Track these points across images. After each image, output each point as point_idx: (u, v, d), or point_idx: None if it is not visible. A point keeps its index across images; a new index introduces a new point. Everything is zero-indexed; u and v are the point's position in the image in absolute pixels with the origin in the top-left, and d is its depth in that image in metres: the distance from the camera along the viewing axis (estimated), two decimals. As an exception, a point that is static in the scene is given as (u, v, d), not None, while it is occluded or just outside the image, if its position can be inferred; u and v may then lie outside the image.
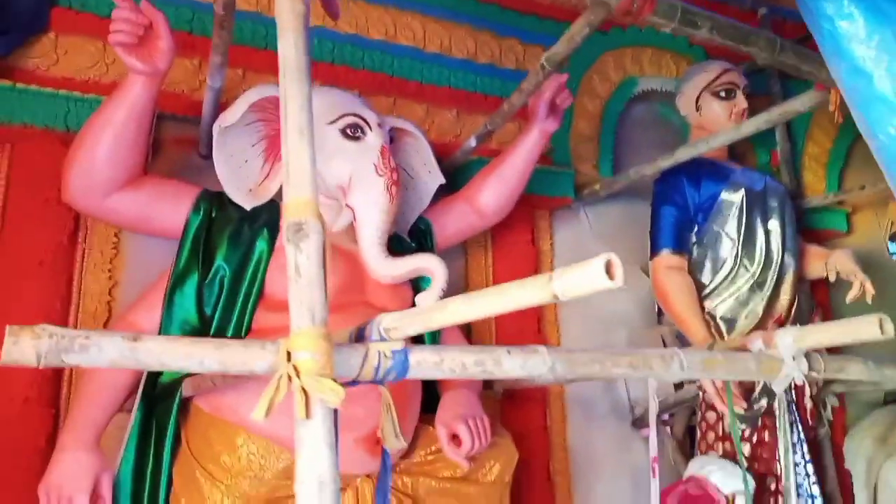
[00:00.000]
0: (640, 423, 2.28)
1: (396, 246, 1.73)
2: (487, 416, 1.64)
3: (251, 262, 1.59)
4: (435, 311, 0.78)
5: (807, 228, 2.61)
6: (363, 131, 1.66)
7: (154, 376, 1.51)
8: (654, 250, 2.19)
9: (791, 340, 1.10)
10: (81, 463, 1.38)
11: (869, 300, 2.09)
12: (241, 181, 1.66)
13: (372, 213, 1.62)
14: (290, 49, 0.86)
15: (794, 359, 1.09)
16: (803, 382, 1.10)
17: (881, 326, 1.00)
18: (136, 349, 0.75)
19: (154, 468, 1.45)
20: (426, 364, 0.87)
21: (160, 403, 1.49)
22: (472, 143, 1.96)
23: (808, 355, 1.13)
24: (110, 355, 0.73)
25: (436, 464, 1.60)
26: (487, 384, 1.95)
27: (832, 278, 2.23)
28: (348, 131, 1.64)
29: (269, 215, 1.65)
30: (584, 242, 2.44)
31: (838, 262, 2.20)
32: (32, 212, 1.66)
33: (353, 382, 0.86)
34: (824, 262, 2.26)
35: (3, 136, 1.69)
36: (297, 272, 0.81)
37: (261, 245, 1.60)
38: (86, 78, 1.77)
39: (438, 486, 1.59)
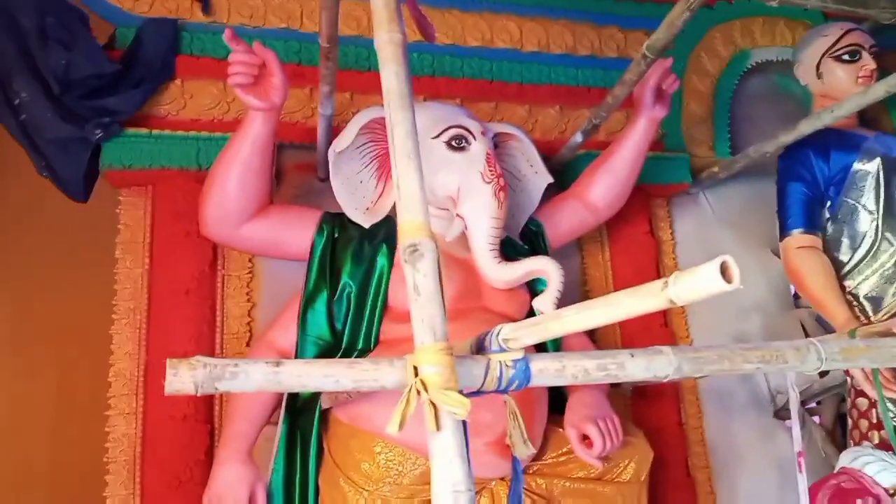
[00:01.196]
0: (783, 413, 2.16)
1: (509, 250, 1.74)
2: (617, 414, 1.62)
3: (374, 277, 1.66)
4: (550, 320, 0.79)
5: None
6: (467, 141, 1.69)
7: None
8: (784, 231, 2.07)
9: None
10: (238, 474, 1.51)
11: None
12: (358, 201, 1.74)
13: (482, 221, 1.64)
14: (391, 79, 0.90)
15: (950, 342, 1.00)
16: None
17: None
18: (278, 373, 0.81)
19: (302, 477, 1.56)
20: (548, 372, 0.88)
21: (302, 416, 1.59)
22: (579, 138, 1.94)
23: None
24: (257, 381, 0.80)
25: (568, 464, 1.60)
26: (615, 383, 1.92)
27: None
28: (453, 143, 1.68)
29: (386, 231, 1.72)
30: (707, 229, 2.35)
31: None
32: (176, 246, 1.83)
33: (478, 392, 0.89)
34: None
35: (145, 179, 1.86)
36: (417, 291, 0.85)
37: (381, 261, 1.67)
38: (211, 118, 1.92)
39: (573, 487, 1.58)
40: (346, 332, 1.64)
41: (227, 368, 0.79)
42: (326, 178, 1.78)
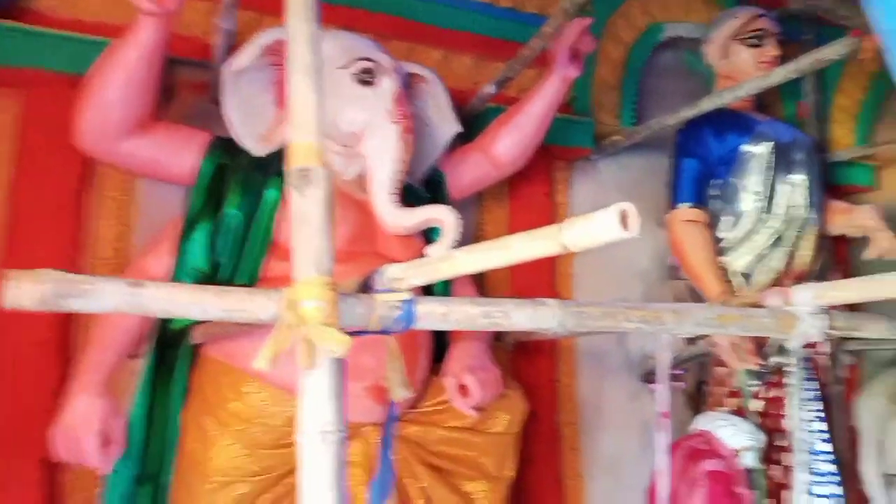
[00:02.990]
0: (650, 377, 2.27)
1: (409, 196, 1.70)
2: (497, 367, 1.64)
3: (262, 210, 1.57)
4: (441, 261, 0.77)
5: (831, 183, 2.53)
6: (377, 76, 1.61)
7: (165, 323, 1.52)
8: (673, 203, 2.15)
9: (810, 297, 1.07)
10: (92, 406, 1.41)
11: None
12: (252, 127, 1.64)
13: (385, 162, 1.59)
14: (295, -14, 0.83)
15: (811, 315, 1.06)
16: (822, 340, 1.07)
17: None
18: (138, 295, 0.74)
19: (163, 413, 1.48)
20: (433, 315, 0.86)
21: (171, 349, 1.50)
22: (491, 89, 1.90)
23: (826, 312, 1.10)
24: (112, 301, 0.73)
25: (444, 414, 1.61)
26: (498, 336, 1.95)
27: (856, 234, 2.17)
28: (362, 76, 1.60)
29: (281, 163, 1.62)
30: (603, 196, 2.40)
31: (862, 217, 2.14)
32: (46, 157, 1.66)
33: (359, 332, 0.85)
34: (848, 219, 2.20)
35: (14, 80, 1.67)
36: (302, 220, 0.79)
37: (271, 193, 1.59)
38: (97, 20, 1.73)
39: (447, 436, 1.60)
40: (226, 265, 1.55)
41: (77, 285, 0.71)
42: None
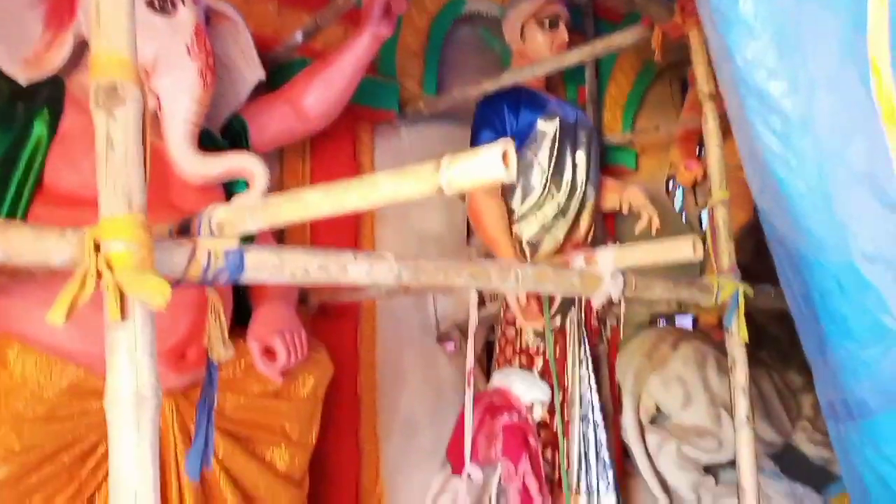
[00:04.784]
0: (444, 338, 2.35)
1: (207, 142, 1.54)
2: (304, 330, 1.57)
3: (26, 147, 1.32)
4: (285, 202, 0.69)
5: (604, 164, 2.81)
6: (174, 5, 1.43)
7: None
8: (472, 173, 2.22)
9: (612, 258, 1.16)
10: None
11: (653, 232, 2.31)
12: (13, 46, 1.36)
13: (182, 102, 1.42)
14: None
15: (612, 276, 1.16)
16: (619, 299, 1.17)
17: (694, 247, 1.08)
18: None
19: None
20: (265, 266, 0.77)
21: None
22: (299, 38, 1.79)
23: (623, 273, 1.20)
24: None
25: (247, 379, 1.51)
26: (301, 299, 1.87)
27: (625, 211, 2.43)
28: (156, 2, 1.41)
29: (51, 93, 1.38)
30: (403, 162, 2.39)
31: (632, 196, 2.40)
32: None
33: (176, 283, 0.74)
34: (619, 196, 2.45)
35: None
36: (110, 145, 0.66)
37: (39, 128, 1.34)
38: None
39: (247, 403, 1.50)
40: (-22, 209, 1.28)
41: None
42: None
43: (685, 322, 3.17)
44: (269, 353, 1.47)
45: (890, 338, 0.93)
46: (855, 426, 1.04)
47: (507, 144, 0.51)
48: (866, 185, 0.85)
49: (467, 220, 2.39)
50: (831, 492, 2.47)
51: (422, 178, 0.57)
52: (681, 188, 3.09)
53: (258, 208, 0.71)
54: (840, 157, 0.87)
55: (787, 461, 2.47)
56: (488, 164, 0.51)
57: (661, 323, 2.88)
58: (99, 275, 0.65)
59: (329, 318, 2.04)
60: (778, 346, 2.53)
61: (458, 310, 2.36)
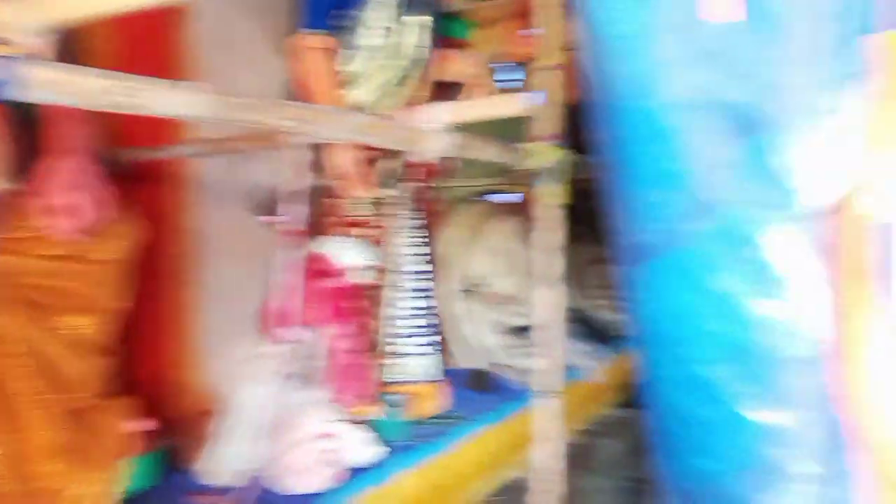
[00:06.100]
0: (262, 208, 2.26)
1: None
2: (105, 188, 1.42)
3: None
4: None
5: (441, 32, 2.74)
6: None
7: None
8: (300, 28, 2.07)
9: (441, 114, 1.16)
10: None
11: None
12: None
13: None
14: None
15: (440, 132, 1.15)
16: (447, 156, 1.18)
17: (522, 102, 1.10)
18: None
19: None
20: (47, 84, 0.66)
21: None
22: None
23: (451, 131, 1.20)
24: None
25: (39, 241, 1.35)
26: (109, 157, 1.68)
27: (458, 80, 2.42)
28: None
29: None
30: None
31: (466, 65, 2.39)
32: None
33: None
34: (453, 65, 2.42)
35: None
36: None
37: None
38: None
39: (43, 266, 1.35)
40: None
41: None
42: None
43: (514, 199, 3.32)
44: (61, 211, 1.32)
45: (674, 181, 1.02)
46: (643, 268, 1.15)
47: None
48: (678, 33, 0.90)
49: (289, 87, 2.25)
50: (618, 349, 2.83)
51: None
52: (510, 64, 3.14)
53: (34, 3, 0.60)
54: (659, 4, 0.91)
55: (579, 324, 2.77)
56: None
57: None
58: None
59: (139, 182, 1.86)
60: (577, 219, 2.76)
61: (277, 178, 2.26)
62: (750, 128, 0.99)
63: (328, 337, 1.79)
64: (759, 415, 1.21)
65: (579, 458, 2.37)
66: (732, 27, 0.90)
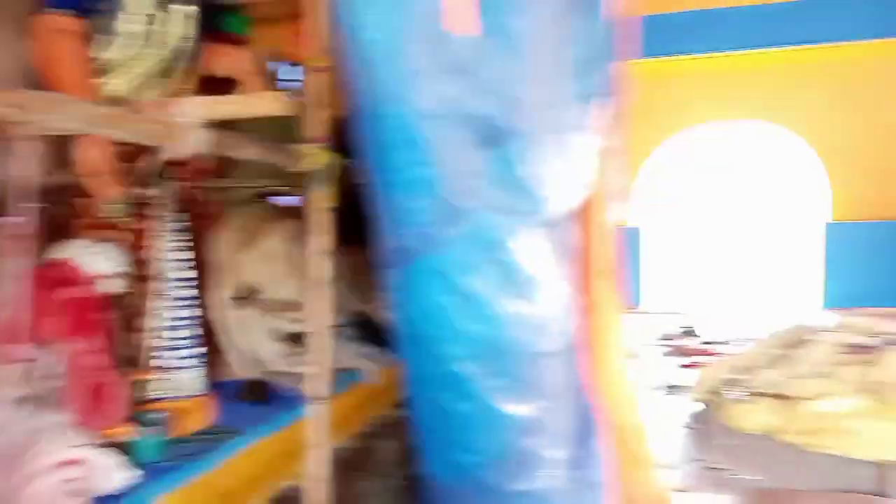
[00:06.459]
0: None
1: None
2: None
3: None
4: None
5: (214, 27, 2.60)
6: None
7: None
8: (44, 7, 1.84)
9: (195, 108, 1.09)
10: None
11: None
12: None
13: None
14: None
15: (198, 128, 1.08)
16: (207, 153, 1.11)
17: (278, 101, 1.07)
18: None
19: None
20: None
21: None
22: None
23: (211, 128, 1.14)
24: None
25: None
26: None
27: (231, 76, 2.32)
28: None
29: None
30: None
31: (250, 62, 2.30)
32: None
33: None
34: (227, 61, 2.31)
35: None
36: None
37: None
38: None
39: None
40: None
41: None
42: None
43: (292, 202, 3.22)
44: None
45: (427, 187, 1.07)
46: (402, 270, 1.18)
47: None
48: (426, 44, 0.94)
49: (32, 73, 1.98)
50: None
51: None
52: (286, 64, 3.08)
53: None
54: (410, 12, 0.94)
55: (361, 328, 2.79)
56: None
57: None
58: None
59: None
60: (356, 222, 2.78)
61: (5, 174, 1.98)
62: (496, 139, 1.06)
63: (70, 353, 1.59)
64: (513, 407, 1.30)
65: (356, 461, 2.37)
66: (476, 42, 0.95)
